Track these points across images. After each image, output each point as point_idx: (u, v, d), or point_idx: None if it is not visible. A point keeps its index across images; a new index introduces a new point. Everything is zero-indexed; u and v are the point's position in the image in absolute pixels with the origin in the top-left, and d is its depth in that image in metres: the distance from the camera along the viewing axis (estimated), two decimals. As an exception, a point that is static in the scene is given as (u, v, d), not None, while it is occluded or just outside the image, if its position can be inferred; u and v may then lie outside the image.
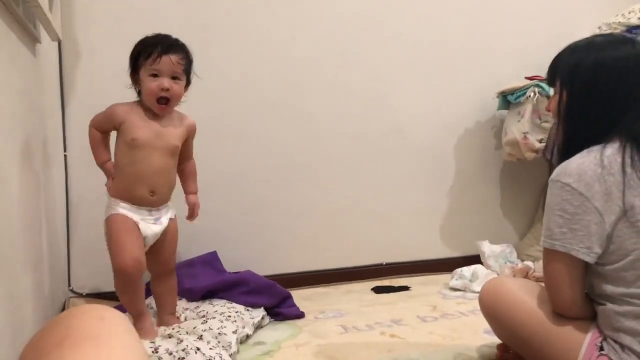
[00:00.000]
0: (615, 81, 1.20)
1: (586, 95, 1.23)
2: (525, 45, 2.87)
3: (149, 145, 1.68)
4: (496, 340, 1.56)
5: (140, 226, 1.69)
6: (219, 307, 1.93)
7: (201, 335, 1.64)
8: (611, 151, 1.15)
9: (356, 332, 1.90)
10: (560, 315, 1.27)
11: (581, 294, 1.23)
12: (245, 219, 2.45)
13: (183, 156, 1.82)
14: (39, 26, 1.72)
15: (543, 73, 2.80)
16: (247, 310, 1.97)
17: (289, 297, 2.13)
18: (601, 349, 1.19)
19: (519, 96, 2.56)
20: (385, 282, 2.58)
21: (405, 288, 2.47)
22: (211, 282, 2.04)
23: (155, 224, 1.74)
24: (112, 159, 1.76)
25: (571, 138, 1.26)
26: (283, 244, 2.52)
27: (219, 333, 1.69)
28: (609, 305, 1.18)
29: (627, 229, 1.12)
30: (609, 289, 1.17)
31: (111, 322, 0.72)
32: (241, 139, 2.44)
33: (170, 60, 1.65)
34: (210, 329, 1.71)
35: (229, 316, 1.85)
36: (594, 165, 1.14)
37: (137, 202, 1.70)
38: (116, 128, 1.70)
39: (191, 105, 2.34)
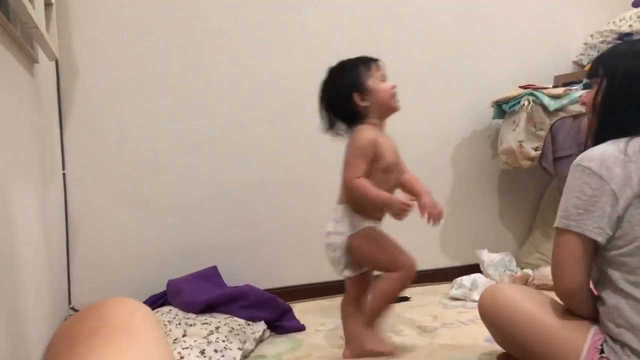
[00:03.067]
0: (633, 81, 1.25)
1: (625, 84, 1.28)
2: (519, 54, 2.90)
3: (394, 165, 1.79)
4: (496, 348, 1.56)
5: None
6: (223, 319, 1.93)
7: (203, 350, 1.64)
8: (636, 142, 1.20)
9: (357, 343, 1.90)
10: (559, 317, 1.28)
11: (587, 278, 1.25)
12: (245, 234, 2.46)
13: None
14: (37, 46, 1.74)
15: (537, 82, 2.85)
16: (248, 324, 1.97)
17: (289, 310, 2.13)
18: (602, 351, 1.20)
19: (514, 105, 2.58)
20: (386, 293, 2.58)
21: (406, 299, 2.47)
22: (211, 295, 2.04)
23: None
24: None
25: (604, 126, 1.30)
26: (283, 257, 2.52)
27: (225, 347, 1.70)
28: (612, 299, 1.19)
29: (638, 215, 1.15)
30: (614, 275, 1.19)
31: (142, 316, 0.74)
32: (241, 154, 2.45)
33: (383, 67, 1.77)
34: (216, 341, 1.71)
35: (232, 329, 1.85)
36: (617, 152, 1.20)
37: (374, 219, 1.80)
38: (374, 156, 1.73)
39: (189, 118, 2.36)
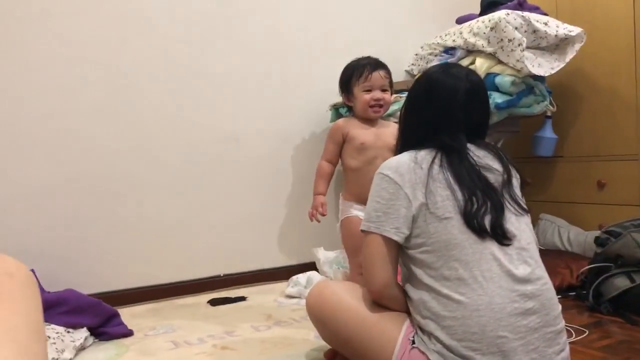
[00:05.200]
0: (428, 101, 1.40)
1: (409, 104, 1.46)
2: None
3: (372, 146, 2.00)
4: (325, 344, 1.59)
5: None
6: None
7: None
8: (425, 152, 1.35)
9: (187, 346, 1.84)
10: (377, 310, 1.34)
11: (393, 276, 1.33)
12: (66, 234, 2.28)
13: None
14: None
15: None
16: (68, 332, 1.82)
17: (116, 315, 2.00)
18: (414, 342, 1.27)
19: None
20: (223, 294, 2.54)
21: (242, 299, 2.45)
22: (25, 303, 1.85)
23: None
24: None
25: (402, 138, 1.48)
26: (110, 259, 2.38)
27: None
28: (417, 293, 1.27)
29: (429, 215, 1.27)
30: (417, 271, 1.28)
31: (20, 281, 0.67)
32: (60, 147, 2.27)
33: (379, 76, 2.03)
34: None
35: (48, 337, 1.69)
36: (409, 160, 1.33)
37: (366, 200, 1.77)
38: (344, 139, 2.05)
39: (2, 108, 2.16)
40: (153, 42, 2.47)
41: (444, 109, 1.37)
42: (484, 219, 1.24)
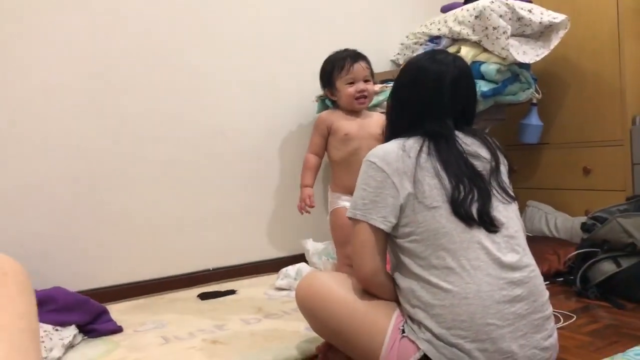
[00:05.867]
0: (414, 87, 1.40)
1: (395, 92, 1.47)
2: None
3: (356, 136, 2.00)
4: (315, 335, 1.59)
5: None
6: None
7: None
8: (412, 140, 1.35)
9: (177, 341, 1.83)
10: (367, 301, 1.34)
11: (381, 264, 1.33)
12: (53, 230, 2.26)
13: None
14: None
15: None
16: (56, 330, 1.80)
17: (105, 312, 1.99)
18: (403, 331, 1.27)
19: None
20: (212, 288, 2.53)
21: (232, 292, 2.44)
22: (11, 302, 1.84)
23: None
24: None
25: (390, 126, 1.49)
26: (98, 255, 2.36)
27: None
28: (406, 282, 1.27)
29: (417, 204, 1.27)
30: (406, 260, 1.28)
31: (13, 280, 0.66)
32: (46, 143, 2.25)
33: (361, 67, 2.03)
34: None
35: (36, 338, 1.68)
36: (397, 148, 1.33)
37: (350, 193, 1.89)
38: (329, 131, 2.06)
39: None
40: (137, 37, 2.44)
41: (431, 95, 1.37)
42: (472, 207, 1.25)
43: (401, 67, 1.53)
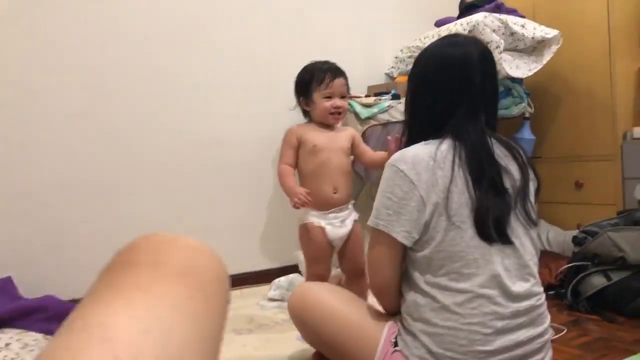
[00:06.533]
0: (441, 75, 1.30)
1: (418, 86, 1.35)
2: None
3: (325, 148, 1.95)
4: (307, 346, 1.59)
5: (327, 230, 1.89)
6: (15, 334, 1.73)
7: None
8: (445, 147, 1.25)
9: (169, 351, 1.82)
10: (359, 312, 1.35)
11: (397, 276, 1.30)
12: (44, 240, 2.25)
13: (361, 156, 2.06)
14: None
15: (353, 91, 2.99)
16: (47, 339, 1.79)
17: (96, 320, 1.98)
18: (396, 344, 1.27)
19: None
20: (205, 298, 2.52)
21: (225, 302, 2.43)
22: (2, 310, 1.83)
23: (341, 227, 1.92)
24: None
25: (410, 130, 1.38)
26: (90, 265, 2.29)
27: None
28: (412, 295, 1.25)
29: (443, 221, 1.20)
30: (415, 274, 1.24)
31: (207, 268, 0.52)
32: (37, 152, 2.24)
33: (340, 83, 1.97)
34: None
35: (26, 344, 1.67)
36: (427, 157, 1.23)
37: (323, 205, 1.90)
38: (298, 142, 1.98)
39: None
40: (133, 46, 2.45)
41: (461, 80, 1.28)
42: (493, 230, 1.20)
43: (415, 59, 1.39)
